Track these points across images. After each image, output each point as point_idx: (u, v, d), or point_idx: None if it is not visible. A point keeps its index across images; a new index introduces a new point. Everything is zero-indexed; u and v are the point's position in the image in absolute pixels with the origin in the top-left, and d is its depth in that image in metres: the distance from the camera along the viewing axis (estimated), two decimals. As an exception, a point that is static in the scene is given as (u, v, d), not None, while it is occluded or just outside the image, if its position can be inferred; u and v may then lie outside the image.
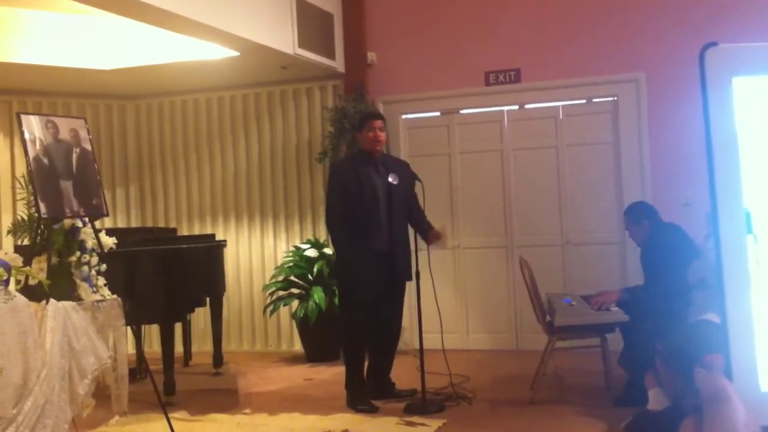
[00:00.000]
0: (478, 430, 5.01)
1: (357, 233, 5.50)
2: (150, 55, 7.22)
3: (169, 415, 4.67)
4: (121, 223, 8.51)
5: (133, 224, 8.64)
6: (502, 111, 7.65)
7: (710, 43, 3.33)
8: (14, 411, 3.41)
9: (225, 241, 7.28)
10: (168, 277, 5.97)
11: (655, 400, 4.64)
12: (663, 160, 7.05)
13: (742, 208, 3.40)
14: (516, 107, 7.64)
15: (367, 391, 5.63)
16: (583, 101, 7.46)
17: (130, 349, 6.05)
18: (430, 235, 5.69)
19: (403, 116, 7.89)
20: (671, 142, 6.97)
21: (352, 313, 5.60)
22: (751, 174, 3.44)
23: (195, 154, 8.57)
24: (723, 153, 3.37)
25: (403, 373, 5.93)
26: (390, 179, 5.54)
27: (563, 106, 7.48)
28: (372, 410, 5.42)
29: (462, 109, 7.80)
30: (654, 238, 5.42)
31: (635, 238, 5.62)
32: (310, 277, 7.45)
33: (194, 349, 7.62)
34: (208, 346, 7.24)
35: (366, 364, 5.75)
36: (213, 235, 7.51)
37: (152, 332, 7.82)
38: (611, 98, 7.32)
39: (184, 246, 6.45)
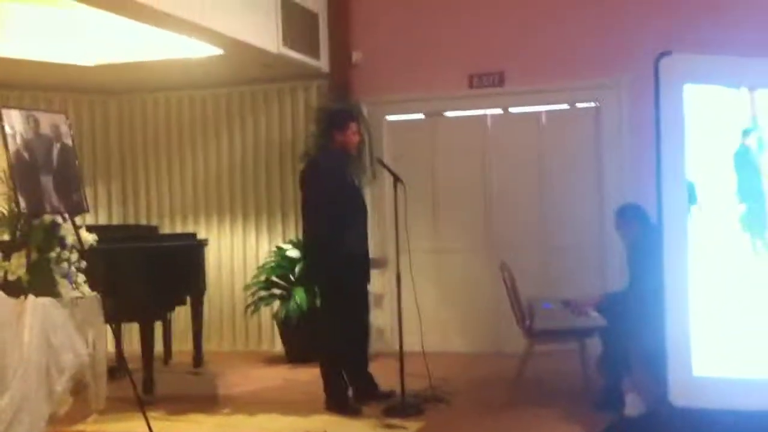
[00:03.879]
0: (456, 432, 5.02)
1: (339, 234, 5.47)
2: (134, 52, 7.16)
3: (147, 414, 4.64)
4: (102, 220, 8.44)
5: (115, 221, 8.58)
6: (486, 114, 7.68)
7: (665, 52, 3.61)
8: (-10, 407, 3.39)
9: (206, 239, 7.25)
10: (148, 276, 5.94)
11: (633, 405, 4.67)
12: (644, 166, 7.06)
13: (684, 181, 3.62)
14: (499, 111, 7.67)
15: (348, 394, 5.61)
16: (566, 106, 7.50)
17: (110, 347, 6.01)
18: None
19: (387, 117, 7.89)
20: (653, 147, 6.98)
21: (337, 313, 5.55)
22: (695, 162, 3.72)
23: (178, 151, 8.53)
24: (669, 138, 3.64)
25: (382, 375, 5.92)
26: (356, 181, 5.64)
27: (546, 110, 7.51)
28: (356, 412, 5.40)
29: (445, 111, 7.81)
30: (642, 240, 5.44)
31: (624, 239, 5.63)
32: (291, 277, 7.43)
33: (174, 348, 7.56)
34: (188, 345, 7.20)
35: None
36: (194, 234, 7.47)
37: (132, 330, 7.77)
38: (594, 103, 7.36)
39: (165, 244, 6.42)
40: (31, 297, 3.75)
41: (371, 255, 6.01)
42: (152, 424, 4.60)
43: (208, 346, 7.65)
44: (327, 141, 5.82)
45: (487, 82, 7.55)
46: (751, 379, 3.54)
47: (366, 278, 5.82)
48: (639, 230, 5.45)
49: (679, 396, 3.47)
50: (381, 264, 5.85)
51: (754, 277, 3.62)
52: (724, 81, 3.67)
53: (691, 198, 3.63)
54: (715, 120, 3.69)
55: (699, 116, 3.64)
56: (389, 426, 5.10)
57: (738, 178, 3.68)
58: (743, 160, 3.68)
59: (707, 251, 3.59)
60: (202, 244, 6.98)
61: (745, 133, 3.67)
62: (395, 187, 5.52)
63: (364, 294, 5.87)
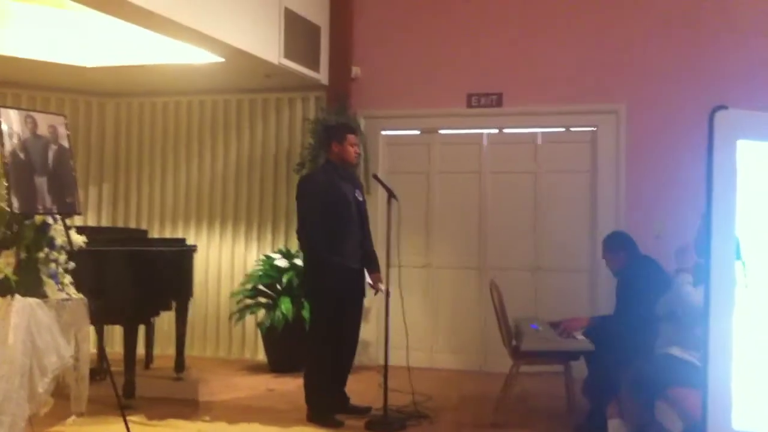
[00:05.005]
0: (438, 451, 5.01)
1: (333, 247, 5.46)
2: (134, 56, 7.17)
3: (127, 419, 4.62)
4: (91, 222, 8.41)
5: (104, 223, 8.54)
6: (482, 134, 7.70)
7: (720, 106, 3.66)
8: (-29, 406, 3.36)
9: (195, 245, 7.22)
10: (135, 279, 5.91)
11: (615, 430, 4.66)
12: (638, 193, 7.11)
13: (733, 237, 3.58)
14: (496, 131, 7.70)
15: (330, 406, 5.59)
16: (563, 129, 7.53)
17: (92, 348, 5.98)
18: (372, 276, 5.72)
19: (384, 132, 7.91)
20: (647, 175, 7.04)
21: (324, 327, 5.52)
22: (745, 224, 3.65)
23: (172, 156, 8.52)
24: (721, 193, 3.57)
25: (364, 389, 5.91)
26: (357, 195, 5.61)
27: (543, 132, 7.55)
28: (338, 425, 5.38)
29: (442, 128, 7.83)
30: (628, 269, 5.46)
31: (611, 267, 5.66)
32: (278, 286, 7.41)
33: (156, 352, 7.53)
34: (171, 350, 7.15)
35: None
36: (183, 240, 7.45)
37: (114, 332, 7.73)
38: (591, 128, 7.40)
39: (154, 249, 6.40)
40: (18, 297, 3.73)
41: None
42: (131, 428, 4.57)
43: (190, 352, 7.61)
44: (325, 153, 5.83)
45: (485, 102, 7.57)
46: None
47: (361, 293, 5.73)
48: (625, 259, 5.48)
49: None
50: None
51: None
52: None
53: (736, 254, 3.65)
54: (762, 176, 3.71)
55: (746, 172, 3.66)
56: (371, 441, 5.08)
57: None
58: None
59: (751, 305, 3.58)
60: (191, 249, 6.95)
61: None
62: (389, 202, 5.52)
63: (357, 310, 5.75)
